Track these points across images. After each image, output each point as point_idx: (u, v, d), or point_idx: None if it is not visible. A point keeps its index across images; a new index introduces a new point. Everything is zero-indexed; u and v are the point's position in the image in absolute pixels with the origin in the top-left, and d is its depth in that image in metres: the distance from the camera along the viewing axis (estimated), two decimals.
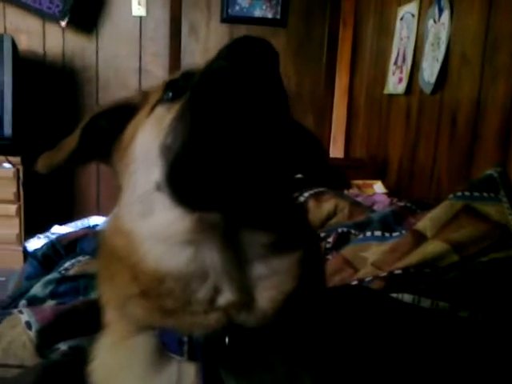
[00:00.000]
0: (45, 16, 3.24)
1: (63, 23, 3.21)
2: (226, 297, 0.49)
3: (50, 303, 1.07)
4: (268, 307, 0.49)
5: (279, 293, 0.50)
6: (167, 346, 0.51)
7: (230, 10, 3.34)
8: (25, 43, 3.31)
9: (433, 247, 1.10)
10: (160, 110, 0.55)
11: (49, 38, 3.36)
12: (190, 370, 0.51)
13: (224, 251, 0.49)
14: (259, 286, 0.50)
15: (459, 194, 1.21)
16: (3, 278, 2.58)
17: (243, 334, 0.49)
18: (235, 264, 0.50)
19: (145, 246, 0.51)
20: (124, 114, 0.62)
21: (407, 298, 0.95)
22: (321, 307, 0.56)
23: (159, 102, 0.56)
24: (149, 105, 0.58)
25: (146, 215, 0.52)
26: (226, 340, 0.49)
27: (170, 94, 0.54)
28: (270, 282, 0.50)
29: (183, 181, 0.46)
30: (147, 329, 0.52)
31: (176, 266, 0.49)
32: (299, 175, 0.63)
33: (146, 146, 0.53)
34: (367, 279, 1.09)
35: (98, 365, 0.57)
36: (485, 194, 1.20)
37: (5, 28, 3.31)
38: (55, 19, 3.23)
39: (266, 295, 0.50)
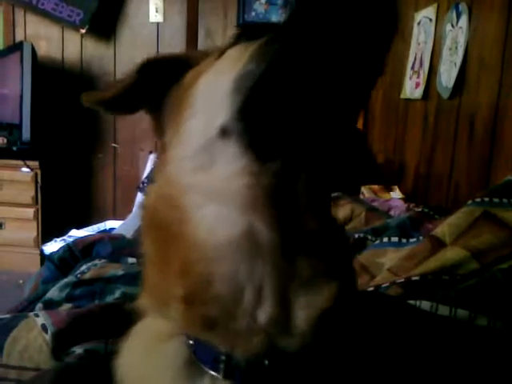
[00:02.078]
0: (65, 24, 3.29)
1: (83, 31, 3.27)
2: (266, 310, 0.45)
3: (66, 306, 1.07)
4: (305, 326, 0.46)
5: (316, 310, 0.46)
6: (201, 359, 0.48)
7: (246, 16, 3.36)
8: (44, 49, 3.36)
9: (452, 254, 1.08)
10: (235, 49, 0.47)
11: (67, 45, 3.41)
12: None
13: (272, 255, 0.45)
14: (297, 302, 0.46)
15: (478, 199, 1.19)
16: (21, 281, 2.62)
17: (283, 357, 0.46)
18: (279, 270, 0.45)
19: (199, 210, 0.45)
20: (182, 66, 0.55)
21: (425, 305, 0.93)
22: (355, 325, 0.52)
23: (231, 45, 0.49)
24: (217, 52, 0.50)
25: (204, 169, 0.45)
26: (266, 362, 0.46)
27: (245, 38, 0.47)
28: (308, 298, 0.46)
29: (260, 113, 0.41)
30: (183, 334, 0.50)
31: (228, 236, 0.44)
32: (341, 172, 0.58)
33: (214, 84, 0.46)
34: (384, 285, 1.07)
35: (126, 366, 0.54)
36: (504, 200, 1.17)
37: (25, 35, 3.37)
38: (75, 27, 3.28)
39: (303, 313, 0.46)
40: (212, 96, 0.46)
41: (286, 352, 0.46)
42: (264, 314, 0.45)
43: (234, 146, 0.43)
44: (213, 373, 0.48)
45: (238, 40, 0.49)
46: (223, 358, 0.47)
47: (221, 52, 0.50)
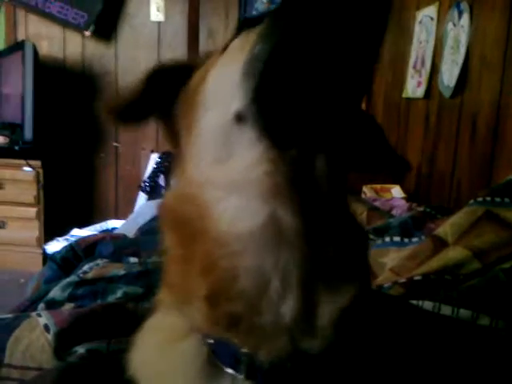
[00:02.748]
0: (70, 27, 3.31)
1: (87, 33, 3.28)
2: (290, 303, 0.45)
3: (68, 306, 1.08)
4: (327, 325, 0.45)
5: (337, 308, 0.46)
6: (222, 358, 0.48)
7: (247, 15, 3.36)
8: (45, 49, 3.37)
9: (454, 254, 1.08)
10: (238, 40, 0.48)
11: (69, 44, 3.41)
12: None
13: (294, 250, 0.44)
14: (321, 297, 0.45)
15: (480, 199, 1.19)
16: (22, 280, 2.62)
17: (306, 358, 0.46)
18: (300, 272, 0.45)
19: (220, 203, 0.45)
20: (188, 71, 0.55)
21: (427, 305, 0.93)
22: (369, 325, 0.51)
23: (233, 39, 0.49)
24: (221, 49, 0.51)
25: (223, 159, 0.45)
26: (289, 364, 0.46)
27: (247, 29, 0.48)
28: (330, 294, 0.46)
29: (272, 95, 0.41)
30: (202, 333, 0.49)
31: (251, 226, 0.44)
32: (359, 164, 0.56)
33: (223, 76, 0.47)
34: (386, 285, 1.07)
35: (140, 362, 0.53)
36: (506, 200, 1.17)
37: (26, 34, 3.37)
38: (80, 30, 3.30)
39: (326, 310, 0.45)
40: (223, 87, 0.46)
41: (308, 354, 0.45)
42: (288, 308, 0.45)
43: (250, 131, 0.43)
44: (233, 372, 0.47)
45: (239, 32, 0.49)
46: (245, 358, 0.46)
47: (224, 46, 0.50)
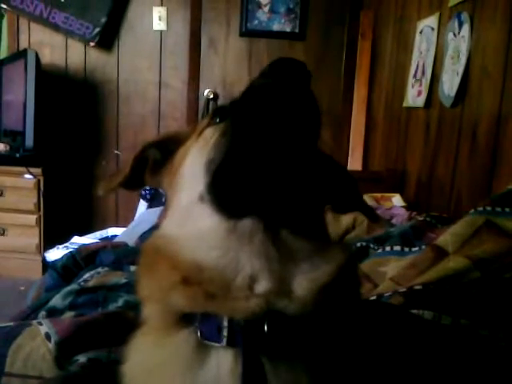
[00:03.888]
0: (75, 37, 3.33)
1: (92, 44, 3.31)
2: (263, 285, 0.52)
3: (69, 314, 1.07)
4: (305, 297, 0.51)
5: (316, 285, 0.52)
6: (206, 334, 0.52)
7: (248, 24, 3.38)
8: (48, 57, 3.39)
9: (454, 263, 1.08)
10: (207, 132, 0.61)
11: (71, 52, 3.43)
12: (228, 358, 0.51)
13: (263, 247, 0.53)
14: (297, 279, 0.53)
15: (480, 208, 1.19)
16: (22, 288, 2.62)
17: (282, 321, 0.51)
18: (274, 258, 0.53)
19: (183, 243, 0.56)
20: (174, 143, 0.69)
21: (427, 314, 0.93)
22: (352, 314, 0.57)
23: (208, 126, 0.62)
24: (198, 130, 0.64)
25: (186, 222, 0.57)
26: (265, 327, 0.50)
27: (218, 118, 0.60)
28: (309, 275, 0.53)
29: (222, 188, 0.53)
30: (188, 322, 0.53)
31: (211, 259, 0.53)
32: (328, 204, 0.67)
33: (194, 163, 0.60)
34: (386, 294, 1.07)
35: (135, 365, 0.57)
36: (507, 210, 1.18)
37: (29, 42, 3.39)
38: (85, 41, 3.32)
39: (303, 287, 0.52)
40: (192, 174, 0.59)
41: (285, 315, 0.50)
42: (261, 287, 0.52)
43: (209, 208, 0.55)
44: (217, 344, 0.51)
45: (214, 117, 0.61)
46: (225, 323, 0.51)
47: (200, 131, 0.63)
